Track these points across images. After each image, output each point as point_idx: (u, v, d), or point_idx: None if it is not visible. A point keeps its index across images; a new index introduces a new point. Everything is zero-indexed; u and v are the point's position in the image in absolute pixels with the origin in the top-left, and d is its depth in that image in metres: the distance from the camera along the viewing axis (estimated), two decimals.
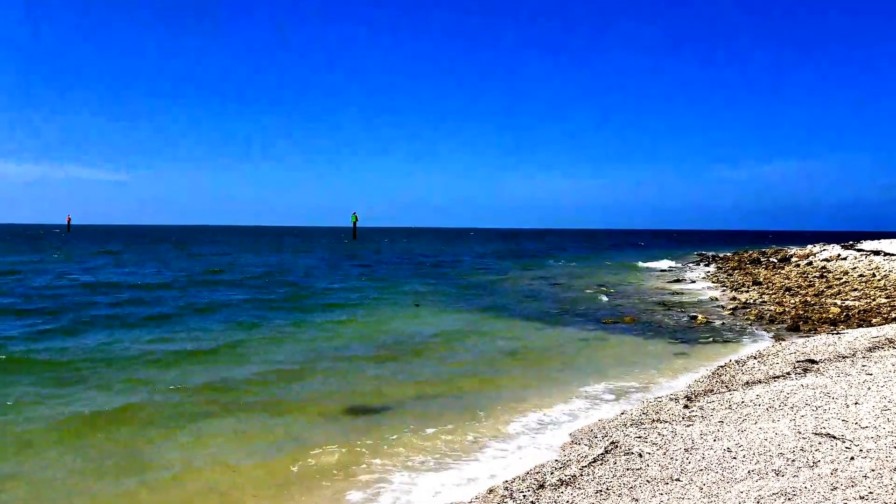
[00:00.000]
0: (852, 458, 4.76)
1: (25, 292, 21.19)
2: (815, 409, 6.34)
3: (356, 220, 77.19)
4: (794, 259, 32.32)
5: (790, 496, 4.26)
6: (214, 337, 13.90)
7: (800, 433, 5.60)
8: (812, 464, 4.81)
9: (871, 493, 4.07)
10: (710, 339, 13.74)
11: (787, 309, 17.15)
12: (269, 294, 22.10)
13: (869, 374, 7.59)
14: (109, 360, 11.38)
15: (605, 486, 5.21)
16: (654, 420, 7.19)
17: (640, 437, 6.39)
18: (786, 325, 14.96)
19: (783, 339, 12.87)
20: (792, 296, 19.72)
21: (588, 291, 24.35)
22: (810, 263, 28.68)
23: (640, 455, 5.82)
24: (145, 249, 54.92)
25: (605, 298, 22.04)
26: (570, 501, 5.08)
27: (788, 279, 24.16)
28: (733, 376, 9.25)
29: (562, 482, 5.56)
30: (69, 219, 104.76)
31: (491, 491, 5.91)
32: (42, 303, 18.63)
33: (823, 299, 18.43)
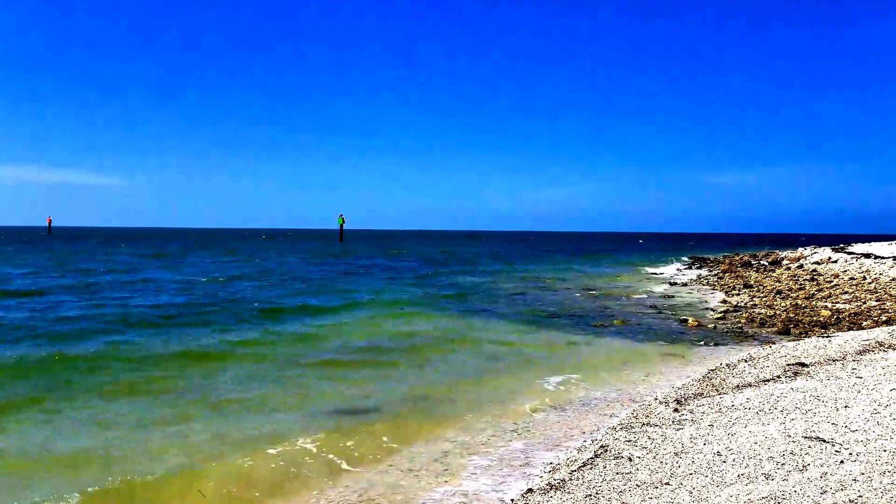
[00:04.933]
0: (842, 462, 4.74)
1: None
2: (804, 412, 6.32)
3: (343, 222, 77.00)
4: (784, 262, 32.44)
5: (780, 500, 4.23)
6: (207, 338, 13.81)
7: (790, 437, 5.58)
8: (802, 467, 4.79)
9: (860, 496, 4.04)
10: (701, 343, 13.73)
11: (777, 312, 17.18)
12: (247, 304, 21.98)
13: (859, 377, 7.58)
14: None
15: (594, 491, 5.17)
16: (643, 424, 7.15)
17: (629, 441, 6.35)
18: (776, 329, 14.97)
19: (774, 343, 12.88)
20: (783, 299, 19.76)
21: (577, 294, 24.35)
22: (801, 266, 28.79)
23: (630, 459, 5.78)
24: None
25: (594, 301, 22.03)
26: None
27: (779, 282, 24.22)
28: (723, 380, 9.23)
29: (551, 486, 5.51)
30: (49, 220, 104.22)
31: (479, 497, 5.86)
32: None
33: (814, 302, 18.47)
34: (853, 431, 5.43)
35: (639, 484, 5.12)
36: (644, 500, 4.75)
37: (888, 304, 16.77)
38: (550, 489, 5.45)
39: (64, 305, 18.76)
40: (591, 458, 6.04)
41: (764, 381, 8.52)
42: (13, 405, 8.79)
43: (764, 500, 4.26)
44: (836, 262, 27.77)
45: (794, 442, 5.40)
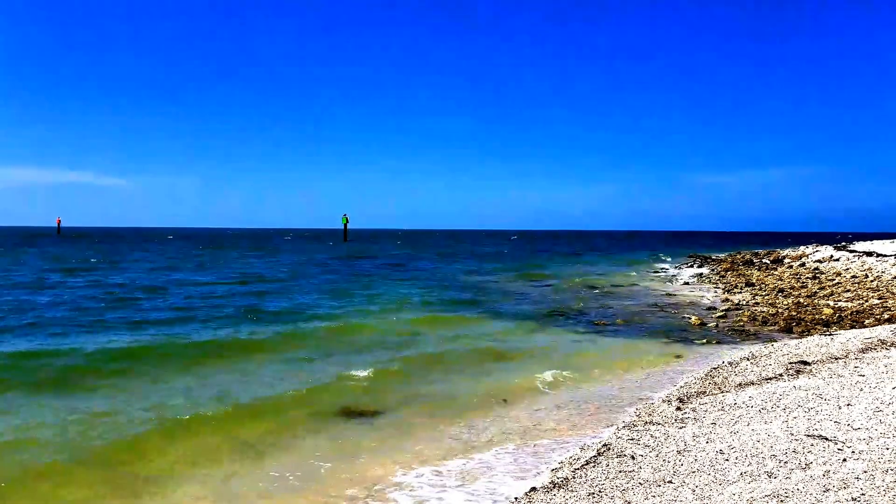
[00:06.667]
0: (844, 460, 4.75)
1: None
2: (807, 410, 6.33)
3: (346, 221, 76.98)
4: (786, 260, 32.42)
5: (782, 498, 4.24)
6: (204, 337, 13.83)
7: (792, 435, 5.59)
8: (804, 465, 4.79)
9: (863, 494, 4.05)
10: (703, 341, 13.73)
11: (779, 310, 17.17)
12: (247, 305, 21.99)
13: (861, 375, 7.59)
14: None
15: (597, 489, 5.18)
16: (646, 422, 7.16)
17: (632, 440, 6.36)
18: (778, 327, 14.97)
19: (776, 341, 12.88)
20: (785, 297, 19.75)
21: (580, 293, 24.34)
22: (803, 265, 28.77)
23: (633, 457, 5.79)
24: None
25: (597, 300, 22.03)
26: None
27: (781, 280, 24.21)
28: (726, 378, 9.24)
29: (554, 485, 5.52)
30: (59, 221, 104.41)
31: (481, 497, 5.88)
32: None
33: (816, 300, 18.46)
34: (856, 429, 5.44)
35: (641, 482, 5.13)
36: (647, 499, 4.76)
37: (890, 302, 16.76)
38: (554, 487, 5.46)
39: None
40: (594, 456, 6.05)
41: (766, 379, 8.52)
42: None
43: (767, 498, 4.27)
44: (837, 260, 27.75)
45: (796, 440, 5.41)
